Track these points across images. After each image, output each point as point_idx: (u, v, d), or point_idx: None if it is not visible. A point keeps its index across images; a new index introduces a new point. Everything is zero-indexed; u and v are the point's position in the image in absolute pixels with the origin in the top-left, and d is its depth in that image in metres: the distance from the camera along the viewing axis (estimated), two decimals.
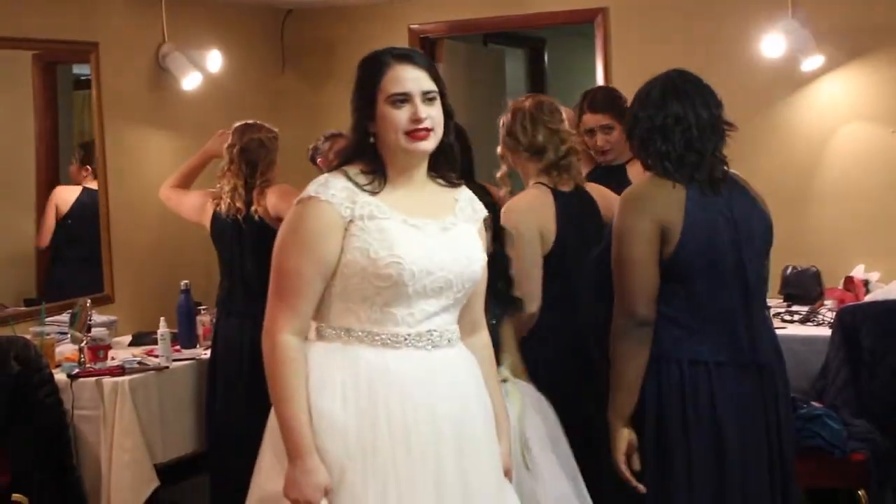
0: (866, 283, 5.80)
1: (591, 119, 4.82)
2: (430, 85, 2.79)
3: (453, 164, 2.93)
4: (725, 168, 3.44)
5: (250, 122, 5.27)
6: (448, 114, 2.84)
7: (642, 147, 3.44)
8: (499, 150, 4.23)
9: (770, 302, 5.70)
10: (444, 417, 2.75)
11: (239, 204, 5.10)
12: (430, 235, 2.79)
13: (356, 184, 2.76)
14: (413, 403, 2.72)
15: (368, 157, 2.80)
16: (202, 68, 6.48)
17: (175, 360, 5.19)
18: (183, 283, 5.48)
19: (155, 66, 6.33)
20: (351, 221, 2.73)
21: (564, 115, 4.19)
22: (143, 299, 6.10)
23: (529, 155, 4.11)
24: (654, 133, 3.38)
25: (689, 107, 3.38)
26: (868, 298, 5.41)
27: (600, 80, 6.63)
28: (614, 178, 4.48)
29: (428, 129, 2.77)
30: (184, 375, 5.20)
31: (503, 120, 4.17)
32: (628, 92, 3.87)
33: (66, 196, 6.03)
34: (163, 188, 5.66)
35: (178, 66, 6.32)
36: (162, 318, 5.27)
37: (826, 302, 5.63)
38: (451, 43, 7.28)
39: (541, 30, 8.45)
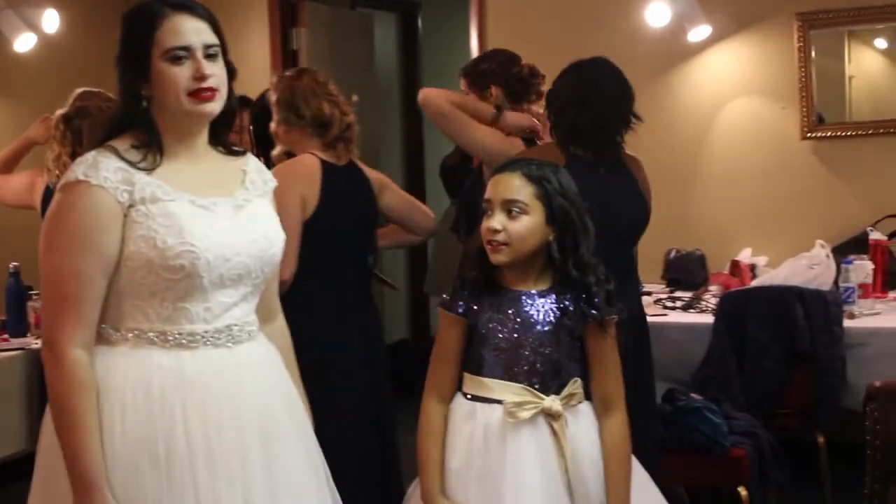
0: (753, 267, 5.86)
1: None
2: (212, 38, 2.62)
3: (230, 131, 2.80)
4: (620, 153, 3.95)
5: (89, 89, 5.13)
6: (231, 73, 2.67)
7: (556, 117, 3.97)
8: (272, 126, 4.20)
9: (652, 287, 5.82)
10: (250, 422, 2.62)
11: (59, 173, 4.95)
12: (223, 216, 2.62)
13: (128, 162, 2.55)
14: (215, 409, 2.56)
15: (141, 125, 2.60)
16: (38, 29, 6.33)
17: (2, 350, 5.05)
18: (12, 265, 5.31)
19: None
20: (130, 206, 2.52)
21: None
22: None
23: (313, 130, 4.13)
24: (569, 108, 3.88)
25: (604, 93, 3.97)
26: (755, 283, 5.46)
27: (475, 48, 6.62)
28: None
29: (213, 89, 2.59)
30: (10, 367, 5.03)
31: (274, 96, 4.18)
32: None
33: None
34: None
35: (10, 26, 6.17)
36: None
37: (711, 287, 5.67)
38: (315, 5, 7.19)
39: None
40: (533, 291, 3.03)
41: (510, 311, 3.01)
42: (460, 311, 3.05)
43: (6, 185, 5.40)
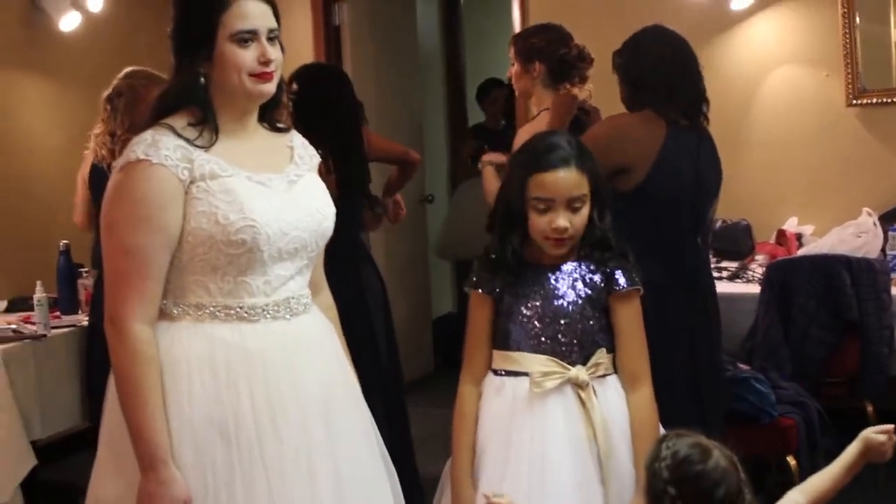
0: (799, 237, 5.86)
1: None
2: (274, 22, 2.67)
3: (278, 109, 2.82)
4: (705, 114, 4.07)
5: (133, 68, 5.15)
6: (282, 53, 2.70)
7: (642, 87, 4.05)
8: None
9: None
10: (311, 390, 2.67)
11: (104, 152, 4.95)
12: (278, 191, 2.67)
13: (186, 139, 2.58)
14: (277, 382, 2.61)
15: (197, 103, 2.62)
16: (82, 7, 6.36)
17: (54, 328, 5.07)
18: (62, 243, 5.35)
19: (28, 4, 6.20)
20: (191, 183, 2.55)
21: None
22: (18, 261, 6.00)
23: None
24: (672, 79, 4.01)
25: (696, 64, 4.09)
26: (801, 253, 5.46)
27: (517, 22, 6.62)
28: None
29: (272, 72, 2.65)
30: (64, 344, 5.08)
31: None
32: None
33: None
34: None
35: (54, 5, 6.20)
36: (39, 282, 5.12)
37: (757, 257, 5.68)
38: None
39: None
40: (559, 265, 3.08)
41: (535, 286, 3.07)
42: (488, 289, 3.11)
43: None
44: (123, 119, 4.85)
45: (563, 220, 2.99)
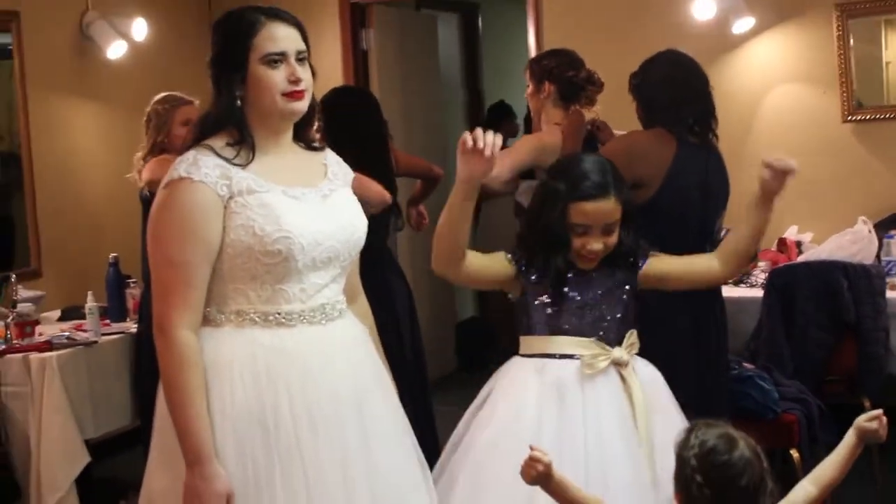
0: (799, 244, 5.84)
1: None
2: (302, 45, 2.69)
3: (311, 127, 2.84)
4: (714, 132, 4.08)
5: (163, 94, 5.11)
6: (312, 75, 2.73)
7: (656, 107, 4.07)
8: None
9: None
10: (345, 390, 2.68)
11: (136, 174, 4.94)
12: (312, 205, 2.68)
13: (225, 159, 2.61)
14: (314, 383, 2.63)
15: (235, 123, 2.66)
16: (127, 37, 6.39)
17: (104, 335, 5.10)
18: (111, 255, 5.39)
19: (78, 34, 6.24)
20: (230, 198, 2.59)
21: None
22: (72, 273, 6.02)
23: None
24: (684, 102, 4.02)
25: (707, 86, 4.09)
26: (801, 259, 5.44)
27: (532, 46, 6.62)
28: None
29: (303, 91, 2.67)
30: (114, 350, 5.10)
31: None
32: None
33: None
34: None
35: (102, 35, 6.23)
36: (90, 293, 5.19)
37: (760, 263, 5.65)
38: (383, 8, 7.21)
39: None
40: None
41: (576, 281, 3.17)
42: (532, 278, 3.20)
43: None
44: (150, 142, 4.87)
45: (597, 244, 3.13)
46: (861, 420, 2.80)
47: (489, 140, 2.86)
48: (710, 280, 3.37)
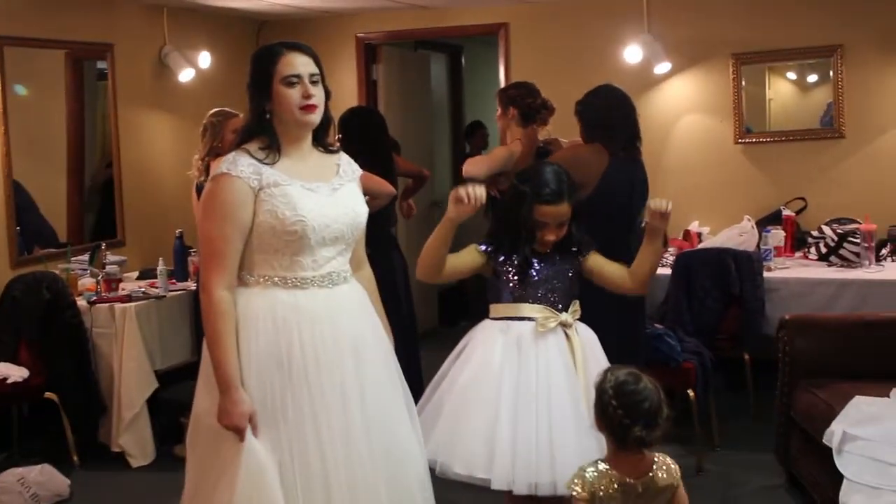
0: (700, 235, 5.83)
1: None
2: (314, 69, 2.65)
3: (327, 135, 2.80)
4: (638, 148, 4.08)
5: (216, 109, 4.99)
6: (327, 94, 2.70)
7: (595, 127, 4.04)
8: None
9: None
10: (345, 338, 2.65)
11: (195, 171, 4.89)
12: (324, 195, 2.65)
13: (257, 159, 2.60)
14: (320, 328, 2.61)
15: (265, 132, 2.64)
16: (195, 65, 6.33)
17: (171, 291, 5.08)
18: (178, 231, 5.37)
19: (158, 62, 6.17)
20: (260, 190, 2.57)
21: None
22: (148, 243, 5.98)
23: None
24: (616, 122, 4.02)
25: (633, 110, 4.10)
26: (700, 246, 5.43)
27: (502, 79, 6.59)
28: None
29: (315, 105, 2.63)
30: (178, 302, 5.08)
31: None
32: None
33: None
34: None
35: (176, 63, 6.17)
36: (160, 258, 5.19)
37: (669, 249, 5.65)
38: (389, 48, 7.16)
39: (459, 39, 8.36)
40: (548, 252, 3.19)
41: (536, 263, 3.17)
42: (500, 260, 3.19)
43: None
44: (207, 147, 4.79)
45: (552, 235, 3.14)
46: (649, 203, 3.01)
47: (476, 195, 2.93)
48: (622, 289, 3.21)
